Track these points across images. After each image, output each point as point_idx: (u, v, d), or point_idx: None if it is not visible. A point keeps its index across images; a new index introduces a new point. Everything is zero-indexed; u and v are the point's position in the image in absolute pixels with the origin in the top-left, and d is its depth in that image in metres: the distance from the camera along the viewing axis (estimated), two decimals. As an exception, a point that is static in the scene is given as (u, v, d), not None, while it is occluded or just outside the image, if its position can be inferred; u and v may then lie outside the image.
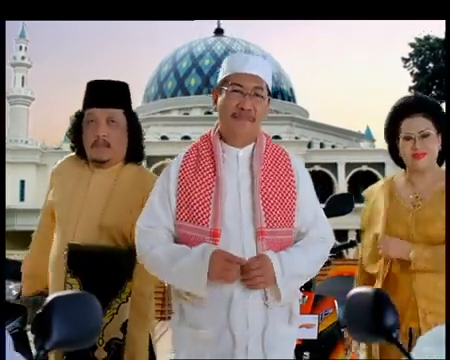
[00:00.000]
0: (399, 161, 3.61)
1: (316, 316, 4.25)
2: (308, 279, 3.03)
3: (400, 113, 3.52)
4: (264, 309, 2.82)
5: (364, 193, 3.79)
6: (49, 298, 1.65)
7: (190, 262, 2.76)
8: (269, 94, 3.04)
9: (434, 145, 3.43)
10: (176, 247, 2.86)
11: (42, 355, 1.55)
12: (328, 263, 4.72)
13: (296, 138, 59.84)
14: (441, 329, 2.03)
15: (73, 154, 3.61)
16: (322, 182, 54.79)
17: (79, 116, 3.50)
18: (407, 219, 3.42)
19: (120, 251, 3.31)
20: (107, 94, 3.47)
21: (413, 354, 1.75)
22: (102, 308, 2.79)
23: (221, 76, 3.02)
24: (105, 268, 3.15)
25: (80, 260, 3.03)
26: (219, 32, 71.85)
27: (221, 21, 72.21)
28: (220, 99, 2.98)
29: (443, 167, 3.61)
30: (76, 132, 3.50)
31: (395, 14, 3.57)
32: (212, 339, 2.79)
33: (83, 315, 1.66)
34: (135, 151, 3.54)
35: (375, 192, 3.69)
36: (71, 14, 3.45)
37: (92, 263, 3.04)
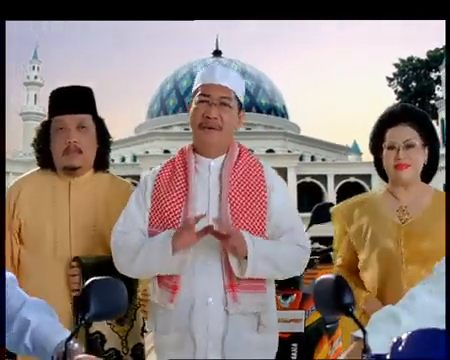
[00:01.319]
0: (384, 174, 3.31)
1: (303, 312, 4.34)
2: (282, 277, 2.93)
3: (385, 123, 3.22)
4: (224, 316, 2.75)
5: (333, 209, 3.45)
6: (87, 282, 1.94)
7: (157, 239, 2.74)
8: (241, 105, 2.95)
9: (419, 157, 3.13)
10: (143, 239, 2.82)
11: (83, 324, 1.86)
12: (313, 264, 4.85)
13: (289, 152, 59.92)
14: (391, 307, 2.15)
15: (30, 172, 3.35)
16: (313, 193, 54.86)
17: (45, 125, 3.22)
18: (395, 234, 3.11)
19: None
20: (75, 100, 3.20)
21: (367, 328, 1.89)
22: (120, 317, 2.92)
23: (194, 88, 2.95)
24: (116, 276, 2.99)
25: (92, 272, 2.71)
26: (217, 53, 72.04)
27: (219, 42, 72.69)
28: (191, 111, 2.91)
29: (441, 178, 3.25)
30: (42, 142, 3.21)
31: (395, 14, 3.33)
32: (176, 344, 2.76)
33: (113, 295, 1.95)
34: (104, 157, 3.29)
35: (356, 204, 3.34)
36: (71, 14, 3.22)
37: (103, 273, 2.83)
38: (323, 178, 56.75)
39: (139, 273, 2.88)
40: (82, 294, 1.92)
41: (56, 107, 3.19)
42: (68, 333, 1.89)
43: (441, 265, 2.23)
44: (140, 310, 3.16)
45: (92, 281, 1.95)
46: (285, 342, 4.02)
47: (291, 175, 55.10)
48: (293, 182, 54.79)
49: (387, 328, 2.03)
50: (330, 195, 53.89)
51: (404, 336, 1.67)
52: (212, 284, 2.74)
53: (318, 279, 2.09)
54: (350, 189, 51.23)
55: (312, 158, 65.11)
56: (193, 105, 2.88)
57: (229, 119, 2.86)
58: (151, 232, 2.82)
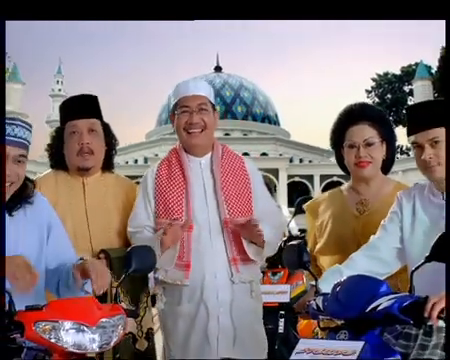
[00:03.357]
0: (346, 169, 3.18)
1: (289, 286, 4.67)
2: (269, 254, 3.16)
3: (345, 121, 3.10)
4: (230, 285, 2.95)
5: (305, 206, 3.43)
6: (129, 248, 2.33)
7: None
8: (213, 107, 3.11)
9: (378, 154, 3.04)
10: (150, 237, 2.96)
11: (127, 276, 2.24)
12: None
13: (280, 155, 59.68)
14: (337, 265, 2.67)
15: (45, 173, 3.30)
16: (301, 190, 54.51)
17: (58, 131, 3.20)
18: (354, 225, 3.05)
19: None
20: (85, 106, 3.18)
21: (319, 279, 2.40)
22: (136, 304, 3.06)
23: (172, 103, 3.10)
24: None
25: (117, 263, 2.94)
26: (218, 69, 71.56)
27: (219, 60, 72.16)
28: (175, 121, 3.06)
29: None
30: (56, 146, 3.21)
31: (395, 14, 2.97)
32: (189, 313, 2.94)
33: (146, 257, 2.35)
34: (111, 158, 3.30)
35: (322, 201, 3.30)
36: (71, 14, 2.87)
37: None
38: (310, 178, 56.59)
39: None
40: (126, 256, 2.27)
41: (68, 113, 3.17)
42: None
43: (375, 237, 2.73)
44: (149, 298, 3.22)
45: (133, 247, 2.34)
46: (274, 310, 4.47)
47: (282, 175, 54.90)
48: (284, 181, 54.63)
49: (333, 278, 2.36)
50: (316, 192, 53.64)
51: (341, 280, 2.19)
52: (218, 260, 2.94)
53: (288, 245, 2.50)
54: (333, 187, 50.62)
55: (300, 160, 64.75)
56: (176, 117, 3.04)
57: (209, 120, 3.04)
58: (158, 222, 3.00)
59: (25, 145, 2.36)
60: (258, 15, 3.01)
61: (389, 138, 3.11)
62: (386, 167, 3.17)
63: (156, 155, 55.19)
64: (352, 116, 3.08)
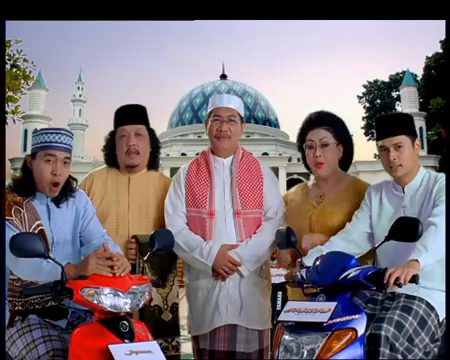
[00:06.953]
0: (310, 169, 3.39)
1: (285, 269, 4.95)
2: (267, 252, 3.26)
3: (306, 127, 3.29)
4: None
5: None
6: (153, 231, 2.63)
7: (199, 256, 3.14)
8: (242, 119, 3.37)
9: (333, 154, 3.22)
10: (190, 239, 3.18)
11: (151, 254, 2.53)
12: None
13: (280, 154, 59.55)
14: (319, 246, 2.96)
15: (100, 168, 3.53)
16: (299, 187, 54.39)
17: (111, 134, 3.42)
18: (311, 214, 3.25)
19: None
20: (134, 114, 3.39)
21: (304, 257, 2.74)
22: (163, 283, 3.20)
23: (208, 110, 3.36)
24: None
25: (145, 248, 2.94)
26: (223, 77, 71.11)
27: (225, 69, 71.65)
28: (208, 126, 3.34)
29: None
30: (109, 147, 3.42)
31: (395, 14, 2.73)
32: (207, 286, 3.19)
33: (166, 237, 2.64)
34: (155, 159, 3.49)
35: (291, 194, 3.51)
36: (71, 14, 2.64)
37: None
38: (306, 175, 55.93)
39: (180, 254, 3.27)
40: (150, 238, 2.55)
41: (120, 119, 3.38)
42: None
43: (349, 223, 3.01)
44: (177, 278, 3.39)
45: (155, 231, 2.61)
46: (273, 290, 4.61)
47: (282, 173, 54.82)
48: (283, 179, 54.49)
49: (315, 255, 2.66)
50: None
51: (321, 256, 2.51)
52: (230, 242, 3.16)
53: (277, 230, 2.84)
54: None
55: (298, 159, 64.21)
56: (209, 123, 3.33)
57: (235, 130, 3.31)
58: (187, 211, 3.24)
59: (69, 149, 2.74)
60: (258, 15, 2.79)
61: (345, 140, 3.27)
62: (345, 165, 3.35)
63: (167, 155, 55.10)
64: (311, 122, 3.26)
